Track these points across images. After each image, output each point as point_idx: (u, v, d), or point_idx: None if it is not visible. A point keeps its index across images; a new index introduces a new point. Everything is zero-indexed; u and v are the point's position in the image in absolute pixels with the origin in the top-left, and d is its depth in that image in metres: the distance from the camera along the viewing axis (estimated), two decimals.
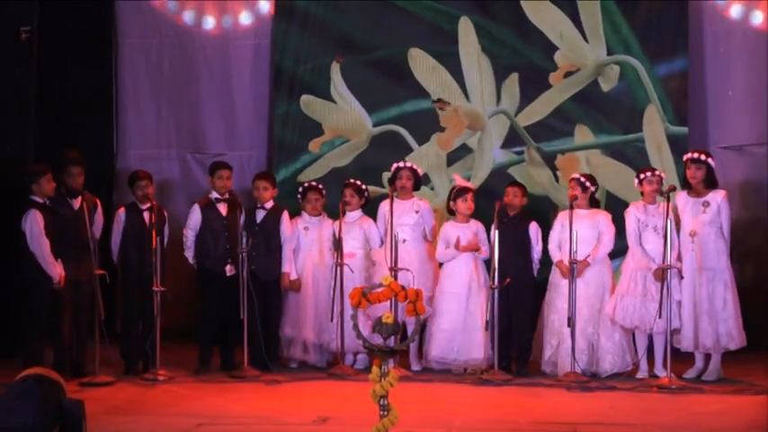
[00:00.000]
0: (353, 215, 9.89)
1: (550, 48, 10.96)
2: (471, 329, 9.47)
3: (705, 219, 9.21)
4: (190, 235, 9.67)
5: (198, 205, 9.73)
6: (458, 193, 9.68)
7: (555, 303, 9.35)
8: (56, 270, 8.95)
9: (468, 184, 9.91)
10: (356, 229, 9.81)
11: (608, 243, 9.41)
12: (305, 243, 9.86)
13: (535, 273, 9.61)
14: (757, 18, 10.72)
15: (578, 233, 9.11)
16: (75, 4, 11.01)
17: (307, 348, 9.80)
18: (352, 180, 9.99)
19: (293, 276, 9.79)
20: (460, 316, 9.50)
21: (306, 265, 9.84)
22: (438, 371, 9.57)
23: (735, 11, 10.79)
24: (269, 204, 9.80)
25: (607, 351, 9.29)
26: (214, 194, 9.72)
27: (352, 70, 11.16)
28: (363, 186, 9.93)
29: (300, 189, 10.05)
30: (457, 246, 9.54)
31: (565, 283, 9.19)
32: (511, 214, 9.59)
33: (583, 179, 9.50)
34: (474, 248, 9.54)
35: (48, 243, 8.90)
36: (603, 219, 9.50)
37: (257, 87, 11.34)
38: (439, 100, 10.94)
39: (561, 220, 9.47)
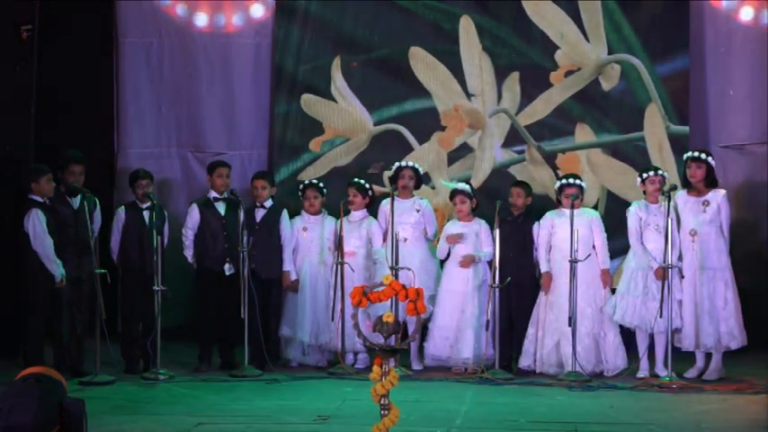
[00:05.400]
0: (357, 215, 9.88)
1: (551, 47, 10.96)
2: (464, 328, 9.47)
3: (705, 218, 9.20)
4: (189, 234, 9.67)
5: (196, 205, 9.73)
6: (451, 195, 9.74)
7: (556, 302, 9.34)
8: (59, 269, 8.94)
9: (459, 186, 9.84)
10: (359, 229, 9.80)
11: (605, 245, 9.45)
12: (303, 243, 9.85)
13: (536, 272, 9.59)
14: (748, 14, 10.72)
15: (575, 233, 9.12)
16: (76, 4, 11.01)
17: (304, 350, 9.79)
18: (355, 179, 9.98)
19: (293, 277, 9.78)
20: (456, 314, 9.50)
21: (304, 265, 9.83)
22: (438, 370, 9.56)
23: (736, 9, 10.79)
24: (268, 203, 9.80)
25: (607, 351, 9.32)
26: (212, 194, 9.72)
27: (352, 69, 11.15)
28: (367, 186, 9.93)
29: (300, 187, 10.05)
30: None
31: (563, 283, 9.19)
32: (515, 214, 9.59)
33: (580, 182, 9.50)
34: (454, 239, 9.55)
35: (51, 242, 8.90)
36: (596, 219, 9.52)
37: (258, 86, 11.33)
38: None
39: (554, 222, 9.44)
